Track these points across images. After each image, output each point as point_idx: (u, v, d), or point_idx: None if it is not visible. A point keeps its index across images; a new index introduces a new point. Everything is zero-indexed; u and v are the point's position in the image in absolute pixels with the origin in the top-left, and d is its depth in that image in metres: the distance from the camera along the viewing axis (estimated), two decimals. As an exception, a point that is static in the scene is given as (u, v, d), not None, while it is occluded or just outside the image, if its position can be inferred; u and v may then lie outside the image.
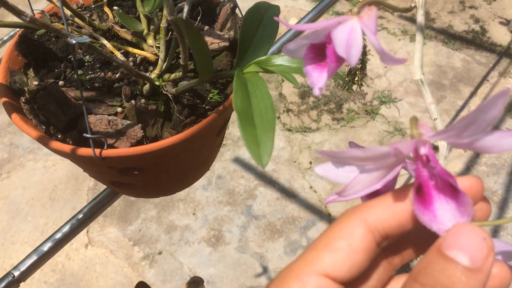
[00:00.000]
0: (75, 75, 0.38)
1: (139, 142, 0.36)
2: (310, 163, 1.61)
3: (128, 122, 0.36)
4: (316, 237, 0.22)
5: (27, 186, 1.55)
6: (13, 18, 0.31)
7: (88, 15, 0.45)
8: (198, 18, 0.43)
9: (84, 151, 0.34)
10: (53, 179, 1.56)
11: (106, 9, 0.45)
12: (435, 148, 0.22)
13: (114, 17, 0.46)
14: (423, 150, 0.20)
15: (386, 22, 2.09)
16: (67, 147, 0.34)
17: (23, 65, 0.42)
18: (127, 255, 1.40)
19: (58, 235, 0.44)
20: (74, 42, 0.28)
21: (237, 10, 0.46)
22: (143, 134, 0.36)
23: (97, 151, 0.33)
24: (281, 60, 0.33)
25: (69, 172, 1.58)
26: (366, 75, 0.95)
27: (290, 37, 0.60)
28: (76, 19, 0.42)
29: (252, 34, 0.35)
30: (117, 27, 0.44)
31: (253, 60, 0.34)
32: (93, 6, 0.48)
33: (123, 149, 0.34)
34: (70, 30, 0.41)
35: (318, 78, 0.21)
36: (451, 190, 0.19)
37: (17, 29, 0.46)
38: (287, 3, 2.16)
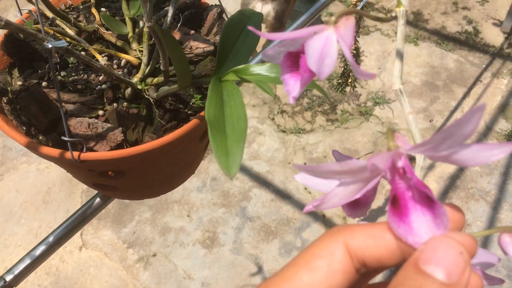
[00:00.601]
0: (53, 78, 0.38)
1: (119, 146, 0.36)
2: (305, 164, 1.61)
3: (109, 125, 0.36)
4: (297, 254, 0.22)
5: (21, 189, 1.54)
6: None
7: (74, 16, 0.45)
8: (179, 23, 0.43)
9: (62, 153, 0.34)
10: (46, 181, 1.55)
11: (94, 10, 0.45)
12: (412, 159, 0.22)
13: (100, 19, 0.46)
14: (400, 163, 0.20)
15: (380, 24, 2.09)
16: (45, 149, 0.34)
17: (8, 64, 0.42)
18: (121, 258, 1.39)
19: (51, 238, 0.44)
20: (50, 46, 0.28)
21: (224, 15, 0.46)
22: (123, 137, 0.36)
23: (76, 154, 0.33)
24: (259, 69, 0.33)
25: (63, 175, 1.57)
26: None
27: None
28: (59, 21, 0.42)
29: (233, 42, 0.34)
30: (102, 30, 0.44)
31: (231, 68, 0.33)
32: (81, 6, 0.48)
33: (101, 153, 0.34)
34: (53, 32, 0.41)
35: (293, 86, 0.21)
36: (427, 202, 0.19)
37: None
38: (281, 4, 2.16)
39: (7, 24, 0.27)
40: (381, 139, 1.68)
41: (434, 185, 1.55)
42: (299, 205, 1.51)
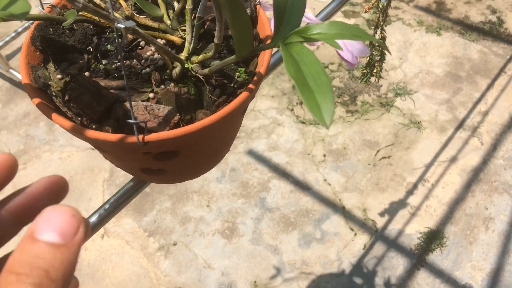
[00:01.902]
0: (121, 60, 0.38)
1: (176, 125, 0.36)
2: (324, 156, 1.60)
3: (164, 106, 0.37)
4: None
5: (43, 177, 1.56)
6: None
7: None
8: None
9: (124, 138, 0.34)
10: (68, 170, 1.57)
11: None
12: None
13: (127, 5, 0.46)
14: None
15: (402, 13, 2.06)
16: (110, 136, 0.34)
17: (42, 59, 0.42)
18: (142, 246, 1.41)
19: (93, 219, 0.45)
20: (122, 26, 0.28)
21: None
22: (179, 117, 0.37)
23: (140, 136, 0.34)
24: (319, 28, 0.34)
25: (84, 163, 1.59)
26: (384, 64, 0.94)
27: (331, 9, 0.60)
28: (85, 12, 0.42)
29: (283, 7, 0.36)
30: (136, 14, 0.44)
31: (289, 32, 0.34)
32: None
33: (164, 133, 0.34)
34: (98, 19, 0.41)
35: None
36: None
37: (30, 21, 0.45)
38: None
39: (84, 7, 0.27)
40: (402, 131, 1.66)
41: (457, 178, 1.53)
42: (319, 197, 1.50)
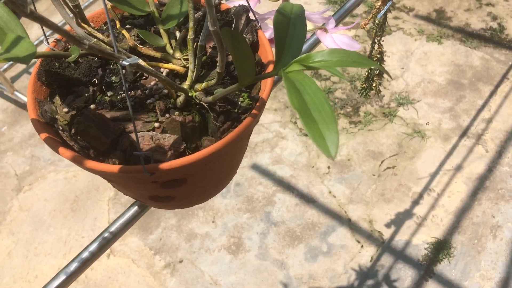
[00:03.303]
0: (126, 95, 0.39)
1: (182, 154, 0.37)
2: (328, 168, 1.60)
3: (169, 135, 0.37)
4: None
5: (49, 198, 1.57)
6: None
7: (105, 36, 0.46)
8: (232, 25, 0.44)
9: (134, 169, 0.34)
10: (74, 190, 1.58)
11: (124, 31, 0.46)
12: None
13: (130, 36, 0.46)
14: None
15: (402, 23, 2.07)
16: (118, 168, 0.35)
17: (48, 93, 0.43)
18: (148, 264, 1.41)
19: (85, 254, 0.45)
20: (126, 63, 0.29)
21: (250, 14, 0.46)
22: (184, 145, 0.37)
23: (147, 167, 0.34)
24: (321, 56, 0.34)
25: (90, 183, 1.60)
26: (384, 78, 0.95)
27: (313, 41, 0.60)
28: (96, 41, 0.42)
29: (284, 35, 0.36)
30: (139, 45, 0.45)
31: (290, 60, 0.35)
32: (104, 27, 0.49)
33: (171, 162, 0.35)
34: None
35: None
36: None
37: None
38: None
39: (91, 48, 0.28)
40: (406, 141, 1.66)
41: (463, 186, 1.52)
42: (324, 209, 1.50)
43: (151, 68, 0.40)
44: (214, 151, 0.36)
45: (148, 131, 0.38)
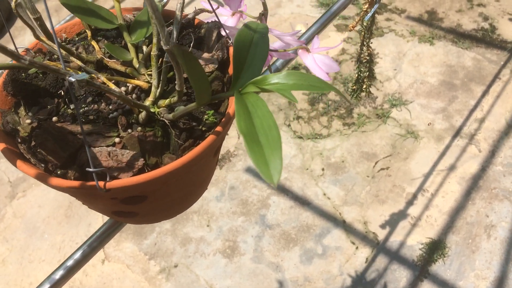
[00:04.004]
0: (76, 111, 0.38)
1: (140, 171, 0.36)
2: (323, 169, 1.60)
3: (128, 151, 0.37)
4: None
5: (43, 204, 1.57)
6: (5, 59, 0.31)
7: (74, 48, 0.46)
8: (191, 44, 0.43)
9: (88, 185, 0.34)
10: (68, 196, 1.57)
11: (93, 42, 0.45)
12: None
13: (100, 48, 0.46)
14: None
15: (394, 24, 2.07)
16: (70, 183, 0.34)
17: (13, 104, 0.42)
18: (143, 270, 1.40)
19: (70, 262, 0.45)
20: (73, 80, 0.28)
21: (222, 31, 0.46)
22: (144, 162, 0.36)
23: (101, 183, 0.34)
24: (277, 78, 0.33)
25: (84, 188, 1.59)
26: (376, 79, 0.95)
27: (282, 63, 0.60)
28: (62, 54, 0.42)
29: (245, 55, 0.36)
30: (106, 58, 0.44)
31: (248, 80, 0.34)
32: (76, 38, 0.48)
33: (127, 179, 0.34)
34: (63, 66, 0.41)
35: None
36: None
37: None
38: (293, 9, 2.16)
39: (31, 64, 0.27)
40: (400, 141, 1.66)
41: (456, 186, 1.53)
42: (319, 211, 1.50)
43: (111, 84, 0.39)
44: (173, 169, 0.35)
45: (108, 146, 0.37)
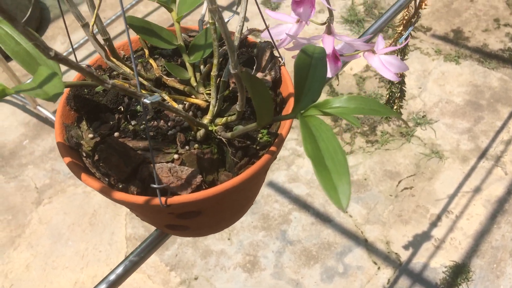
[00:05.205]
0: (146, 131, 0.40)
1: (198, 187, 0.38)
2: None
3: (187, 168, 0.38)
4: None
5: (68, 211, 1.59)
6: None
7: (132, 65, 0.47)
8: (254, 67, 0.44)
9: (149, 200, 0.35)
10: (92, 204, 1.60)
11: (151, 60, 0.47)
12: None
13: (158, 66, 0.48)
14: None
15: (419, 42, 2.07)
16: (135, 198, 0.36)
17: (76, 118, 0.44)
18: (164, 280, 1.41)
19: (112, 277, 0.46)
20: (148, 102, 0.30)
21: (274, 51, 0.47)
22: (201, 179, 0.38)
23: (163, 199, 0.35)
24: (338, 102, 0.34)
25: (108, 197, 1.61)
26: (404, 99, 0.95)
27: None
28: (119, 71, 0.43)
29: (304, 78, 0.37)
30: (164, 76, 0.46)
31: (308, 103, 0.35)
32: (134, 56, 0.50)
33: (186, 196, 0.36)
34: (128, 85, 0.43)
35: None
36: None
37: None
38: (317, 26, 2.17)
39: (114, 87, 0.29)
40: (424, 161, 1.65)
41: (481, 209, 1.50)
42: (340, 229, 1.49)
43: (174, 102, 0.41)
44: (230, 187, 0.36)
45: (167, 162, 0.39)
